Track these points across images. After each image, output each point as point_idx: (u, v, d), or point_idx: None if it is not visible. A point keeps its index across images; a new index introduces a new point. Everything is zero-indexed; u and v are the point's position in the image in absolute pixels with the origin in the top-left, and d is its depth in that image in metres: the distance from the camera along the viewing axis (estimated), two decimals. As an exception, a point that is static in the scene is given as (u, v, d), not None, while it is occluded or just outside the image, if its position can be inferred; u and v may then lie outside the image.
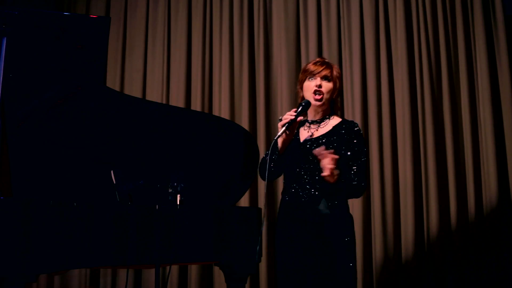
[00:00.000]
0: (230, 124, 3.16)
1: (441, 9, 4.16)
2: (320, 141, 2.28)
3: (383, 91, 4.12)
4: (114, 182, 2.54)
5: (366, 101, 4.15)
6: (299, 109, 2.21)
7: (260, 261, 2.63)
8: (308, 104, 2.26)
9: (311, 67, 2.34)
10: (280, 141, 2.24)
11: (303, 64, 4.23)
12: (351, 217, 2.31)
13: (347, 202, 2.33)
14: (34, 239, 1.97)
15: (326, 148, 2.17)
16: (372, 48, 4.18)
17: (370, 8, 4.24)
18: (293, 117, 2.17)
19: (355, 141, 2.29)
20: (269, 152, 2.21)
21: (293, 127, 2.21)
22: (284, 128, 2.17)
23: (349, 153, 2.26)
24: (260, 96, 4.26)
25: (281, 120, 2.20)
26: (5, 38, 2.13)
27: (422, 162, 4.00)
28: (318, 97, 2.31)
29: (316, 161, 2.19)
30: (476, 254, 3.80)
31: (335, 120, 2.37)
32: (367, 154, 2.37)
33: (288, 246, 2.28)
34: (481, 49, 4.03)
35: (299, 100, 2.38)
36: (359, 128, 2.33)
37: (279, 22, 4.36)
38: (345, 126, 2.33)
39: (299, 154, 2.31)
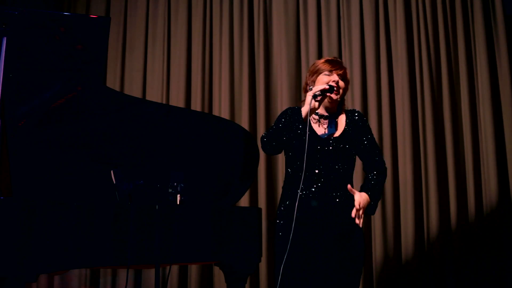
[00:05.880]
0: (230, 124, 3.16)
1: (441, 9, 4.16)
2: (345, 139, 2.27)
3: (383, 91, 4.12)
4: (114, 182, 2.54)
5: (366, 101, 4.15)
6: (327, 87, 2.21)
7: (260, 261, 2.63)
8: (332, 88, 2.23)
9: (327, 65, 2.32)
10: (305, 110, 2.18)
11: (303, 64, 4.24)
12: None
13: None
14: (34, 239, 1.97)
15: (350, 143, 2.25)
16: (372, 48, 4.19)
17: (370, 8, 4.24)
18: (328, 87, 2.18)
19: (365, 128, 2.34)
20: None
21: (320, 100, 2.20)
22: (321, 93, 2.17)
23: (366, 142, 2.30)
24: (260, 96, 4.25)
25: (311, 89, 2.19)
26: (5, 38, 2.13)
27: (422, 162, 4.00)
28: (335, 93, 2.27)
29: (341, 162, 2.23)
30: (476, 254, 3.80)
31: (342, 116, 2.37)
32: None
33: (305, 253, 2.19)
34: (481, 49, 4.04)
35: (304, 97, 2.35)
36: (363, 114, 2.39)
37: (279, 22, 4.35)
38: (355, 116, 2.35)
39: (320, 152, 2.24)
